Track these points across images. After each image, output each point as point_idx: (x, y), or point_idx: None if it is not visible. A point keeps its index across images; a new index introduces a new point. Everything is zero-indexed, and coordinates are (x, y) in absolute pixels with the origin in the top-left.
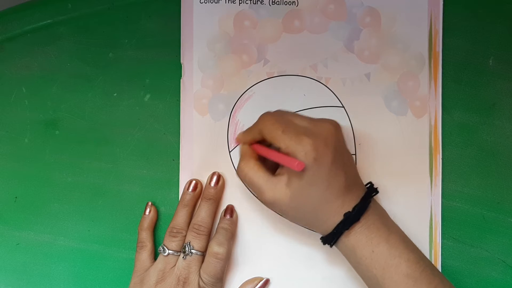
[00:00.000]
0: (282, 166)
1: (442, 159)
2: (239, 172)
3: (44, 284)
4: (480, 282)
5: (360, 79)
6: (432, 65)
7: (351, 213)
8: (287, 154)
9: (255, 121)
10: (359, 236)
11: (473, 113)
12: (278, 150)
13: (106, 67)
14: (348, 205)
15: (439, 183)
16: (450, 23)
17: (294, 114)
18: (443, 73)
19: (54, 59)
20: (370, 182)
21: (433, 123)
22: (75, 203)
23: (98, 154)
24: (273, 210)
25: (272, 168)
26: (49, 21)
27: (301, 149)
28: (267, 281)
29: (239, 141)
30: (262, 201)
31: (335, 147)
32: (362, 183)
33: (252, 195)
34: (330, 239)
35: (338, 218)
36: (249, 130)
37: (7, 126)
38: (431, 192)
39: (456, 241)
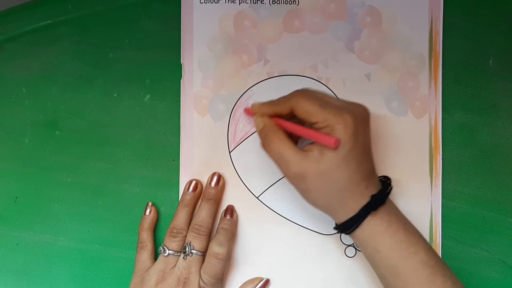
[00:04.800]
0: (312, 143)
1: (442, 159)
2: (267, 144)
3: (44, 284)
4: (480, 282)
5: (360, 79)
6: (432, 65)
7: (377, 195)
8: (325, 127)
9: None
10: (380, 222)
11: (473, 113)
12: (304, 125)
13: (106, 67)
14: (371, 189)
15: (439, 183)
16: (450, 23)
17: (327, 94)
18: (443, 73)
19: (54, 59)
20: (384, 176)
21: (433, 123)
22: (75, 203)
23: (98, 155)
24: (296, 187)
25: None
26: (49, 21)
27: (341, 122)
28: (267, 281)
29: (251, 111)
30: (287, 175)
31: (367, 130)
32: (376, 174)
33: (253, 195)
34: (352, 223)
35: (364, 200)
36: (273, 103)
37: (7, 126)
38: (431, 192)
39: (456, 241)
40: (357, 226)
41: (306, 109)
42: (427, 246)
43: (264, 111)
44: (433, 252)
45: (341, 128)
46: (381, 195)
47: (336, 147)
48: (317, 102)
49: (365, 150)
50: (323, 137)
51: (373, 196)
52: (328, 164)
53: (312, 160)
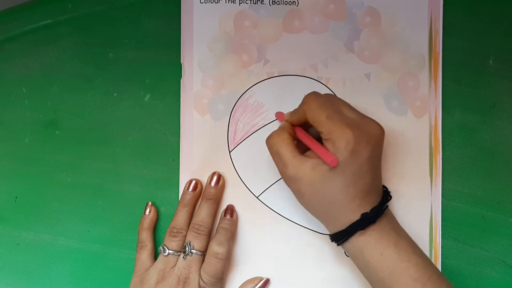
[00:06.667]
0: None
1: (442, 159)
2: (269, 139)
3: (44, 284)
4: (480, 282)
5: (360, 79)
6: (432, 65)
7: (368, 214)
8: (328, 139)
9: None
10: (369, 238)
11: (473, 113)
12: (317, 135)
13: (106, 67)
14: (365, 207)
15: (439, 183)
16: (450, 23)
17: (344, 102)
18: (443, 73)
19: (54, 59)
20: (384, 186)
21: (433, 123)
22: (75, 203)
23: (98, 154)
24: (290, 187)
25: (303, 151)
26: (49, 21)
27: (343, 138)
28: (267, 281)
29: (282, 118)
30: (282, 175)
31: (374, 147)
32: (381, 191)
33: (253, 195)
34: (341, 236)
35: (354, 217)
36: (295, 111)
37: (7, 126)
38: (431, 192)
39: (456, 241)
40: (345, 240)
41: (314, 118)
42: (420, 262)
43: (289, 119)
44: (427, 267)
45: (341, 144)
46: (373, 214)
47: (333, 166)
48: (325, 113)
49: (368, 168)
50: (324, 153)
51: (363, 215)
52: (320, 175)
53: (308, 167)
